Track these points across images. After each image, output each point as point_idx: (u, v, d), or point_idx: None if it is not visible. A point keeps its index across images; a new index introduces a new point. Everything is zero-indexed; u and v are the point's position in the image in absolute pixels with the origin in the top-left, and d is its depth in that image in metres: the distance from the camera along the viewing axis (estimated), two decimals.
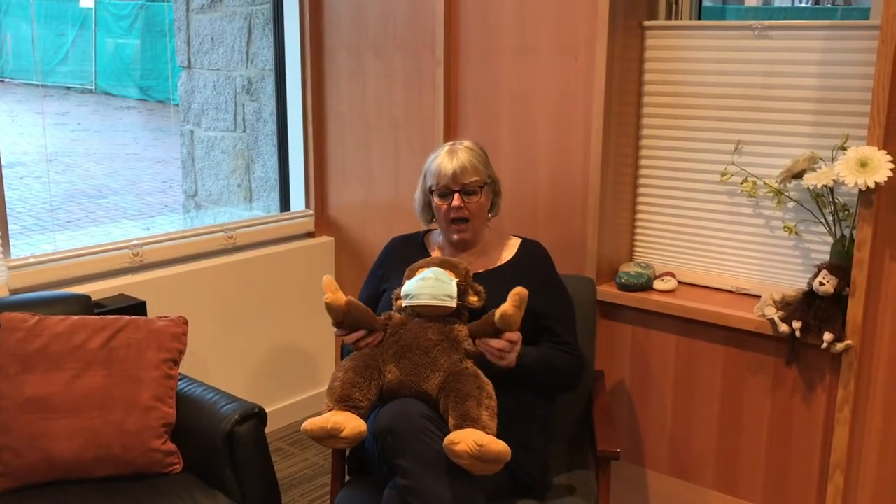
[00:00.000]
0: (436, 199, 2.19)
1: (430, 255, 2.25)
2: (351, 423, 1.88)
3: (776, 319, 2.36)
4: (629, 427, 2.78)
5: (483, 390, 1.91)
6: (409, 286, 2.03)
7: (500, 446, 1.81)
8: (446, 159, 2.17)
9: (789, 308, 2.37)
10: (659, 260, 2.77)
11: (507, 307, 1.92)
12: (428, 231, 2.35)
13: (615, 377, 2.77)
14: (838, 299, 2.27)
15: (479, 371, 1.96)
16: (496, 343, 1.96)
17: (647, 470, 2.76)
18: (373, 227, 3.30)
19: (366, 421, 1.93)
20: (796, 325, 2.30)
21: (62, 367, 2.07)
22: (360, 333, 2.00)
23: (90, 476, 2.06)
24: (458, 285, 2.01)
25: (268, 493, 2.13)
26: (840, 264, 2.29)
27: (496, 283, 2.11)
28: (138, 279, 2.82)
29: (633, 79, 2.68)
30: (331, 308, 1.97)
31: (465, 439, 1.79)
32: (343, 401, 1.91)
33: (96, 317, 2.20)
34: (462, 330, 1.99)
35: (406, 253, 2.27)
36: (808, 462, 2.46)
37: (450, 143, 2.24)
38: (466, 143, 2.23)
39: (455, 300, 1.99)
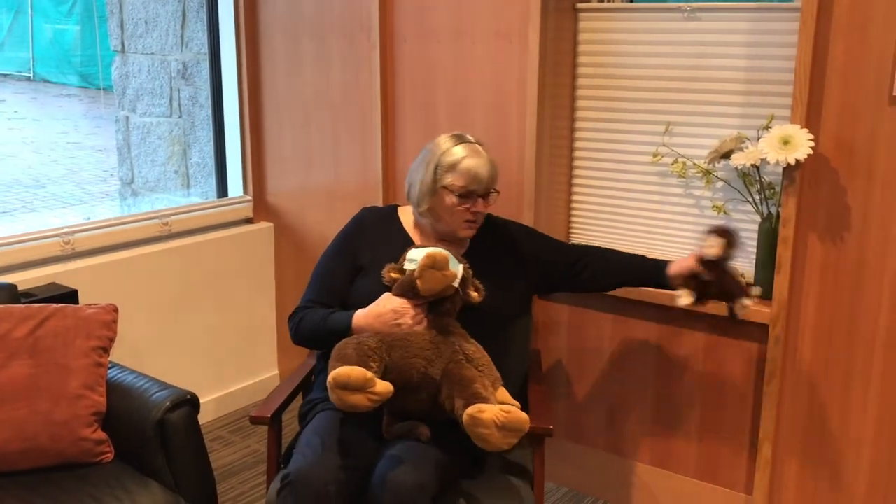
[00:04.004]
0: (454, 198, 2.11)
1: (407, 232, 2.23)
2: (383, 383, 1.84)
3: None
4: (567, 405, 2.81)
5: (485, 384, 1.91)
6: (417, 252, 2.01)
7: (524, 416, 1.81)
8: (478, 161, 2.11)
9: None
10: (595, 240, 2.80)
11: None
12: (397, 205, 2.31)
13: (552, 357, 2.80)
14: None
15: (462, 339, 1.98)
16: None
17: (584, 447, 2.80)
18: (312, 213, 3.28)
19: None
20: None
21: None
22: None
23: (17, 469, 2.01)
24: (462, 276, 2.01)
25: (201, 479, 2.12)
26: (725, 227, 2.13)
27: (472, 266, 2.10)
28: (70, 267, 2.77)
29: (567, 61, 2.70)
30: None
31: (491, 408, 1.79)
32: (359, 362, 1.87)
33: (21, 306, 2.15)
34: (460, 334, 2.01)
35: (381, 227, 2.23)
36: (739, 435, 2.52)
37: (454, 137, 2.16)
38: (472, 137, 2.18)
39: (458, 281, 1.99)
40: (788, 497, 2.41)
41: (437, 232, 2.19)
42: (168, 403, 2.06)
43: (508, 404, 1.92)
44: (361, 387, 1.80)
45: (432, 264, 1.95)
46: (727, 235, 2.05)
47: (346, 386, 1.80)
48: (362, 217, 2.28)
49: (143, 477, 2.05)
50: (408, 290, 1.99)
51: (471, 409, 1.80)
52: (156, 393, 2.10)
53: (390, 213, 2.28)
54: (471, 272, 2.06)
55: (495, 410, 1.79)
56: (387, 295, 2.02)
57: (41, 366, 2.05)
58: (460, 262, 2.03)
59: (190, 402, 2.10)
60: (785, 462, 2.40)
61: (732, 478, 2.55)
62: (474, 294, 2.05)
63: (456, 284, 1.98)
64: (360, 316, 2.02)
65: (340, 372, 1.80)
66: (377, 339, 1.94)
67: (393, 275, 2.04)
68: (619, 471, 2.75)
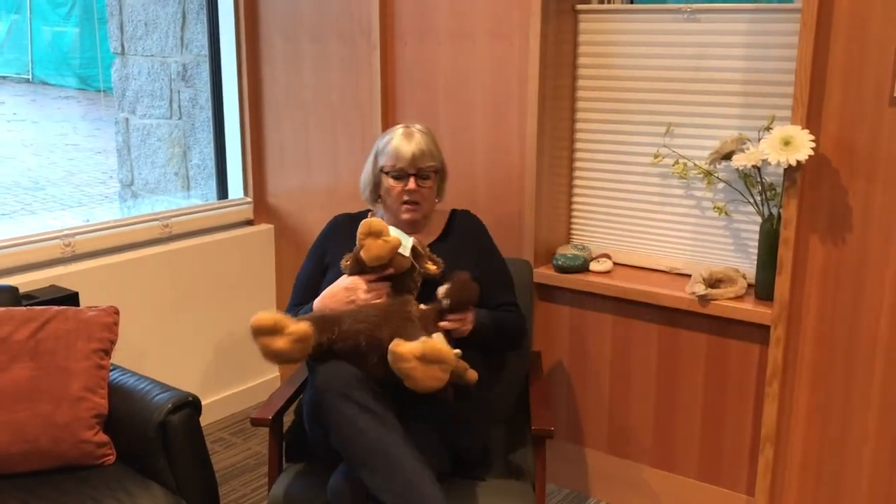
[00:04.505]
0: (389, 181, 2.19)
1: None
2: (298, 323, 1.87)
3: (702, 290, 2.40)
4: (568, 407, 2.81)
5: (431, 336, 1.93)
6: None
7: (443, 345, 1.82)
8: (404, 142, 2.17)
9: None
10: (595, 241, 2.80)
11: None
12: (370, 210, 2.36)
13: (553, 358, 2.80)
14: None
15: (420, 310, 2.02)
16: (447, 324, 2.02)
17: (586, 448, 2.80)
18: (312, 214, 3.28)
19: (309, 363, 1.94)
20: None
21: None
22: None
23: (18, 471, 2.01)
24: (413, 246, 2.04)
25: (203, 481, 2.11)
26: (463, 277, 2.11)
27: (440, 251, 2.16)
28: (70, 270, 2.76)
29: (568, 62, 2.70)
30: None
31: (409, 342, 1.82)
32: None
33: (23, 308, 2.15)
34: (415, 304, 2.02)
35: (350, 230, 2.25)
36: (740, 436, 2.52)
37: (403, 125, 2.24)
38: (419, 126, 2.24)
39: (409, 254, 2.01)
40: (790, 499, 2.40)
41: (398, 224, 2.22)
42: (170, 405, 2.06)
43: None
44: (276, 328, 1.85)
45: (368, 231, 2.00)
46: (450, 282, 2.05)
47: (261, 331, 1.85)
48: (337, 222, 2.35)
49: (145, 479, 2.04)
50: (356, 265, 2.04)
51: (392, 345, 1.81)
52: (157, 395, 2.10)
53: (361, 215, 2.34)
54: (427, 249, 2.10)
55: (414, 343, 1.80)
56: (342, 277, 2.09)
57: (42, 368, 2.05)
58: (410, 236, 2.08)
59: (192, 405, 2.10)
60: (787, 463, 2.40)
61: (734, 479, 2.55)
62: (432, 267, 2.08)
63: (406, 254, 2.01)
64: (318, 300, 2.11)
65: (254, 320, 1.86)
66: (324, 314, 1.99)
67: (348, 262, 2.09)
68: (620, 472, 2.74)
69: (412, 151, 2.16)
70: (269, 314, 1.86)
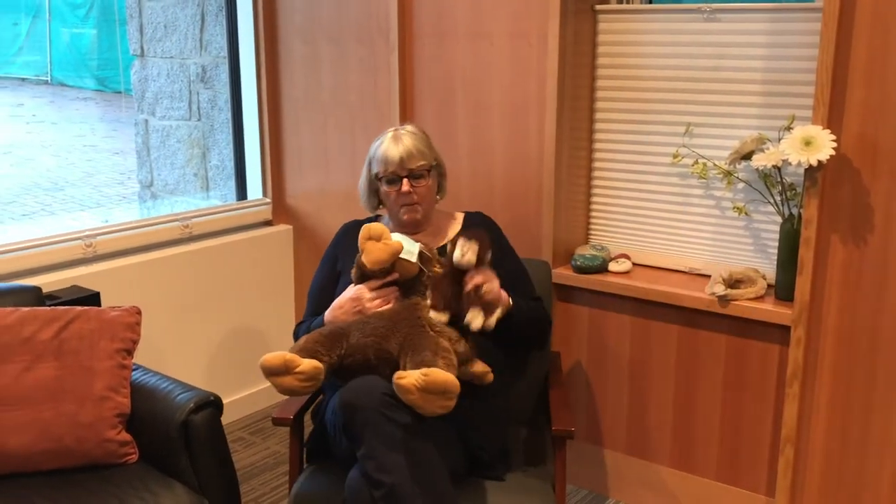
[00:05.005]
0: (384, 187, 2.20)
1: None
2: (307, 361, 1.88)
3: (720, 291, 2.40)
4: (587, 407, 2.81)
5: (440, 346, 1.91)
6: None
7: (446, 376, 1.79)
8: (391, 146, 2.18)
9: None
10: (614, 242, 2.80)
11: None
12: (377, 217, 2.37)
13: (572, 358, 2.80)
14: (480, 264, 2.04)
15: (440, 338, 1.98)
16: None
17: (605, 449, 2.80)
18: (331, 215, 3.29)
19: (324, 382, 1.92)
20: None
21: (11, 360, 2.04)
22: None
23: (43, 469, 2.03)
24: (420, 252, 2.03)
25: (225, 481, 2.12)
26: (473, 230, 2.07)
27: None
28: (92, 270, 2.79)
29: (587, 62, 2.70)
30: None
31: (411, 374, 1.80)
32: (304, 351, 1.91)
33: (47, 308, 2.17)
34: (425, 307, 2.00)
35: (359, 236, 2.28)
36: (759, 437, 2.51)
37: (392, 129, 2.25)
38: (409, 127, 2.25)
39: (416, 260, 2.01)
40: (811, 499, 2.39)
41: (401, 226, 2.23)
42: (192, 405, 2.07)
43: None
44: (284, 369, 1.85)
45: (368, 235, 2.00)
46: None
47: (270, 371, 1.86)
48: (347, 229, 2.36)
49: (167, 478, 2.06)
50: (360, 273, 2.04)
51: (395, 376, 1.80)
52: (180, 394, 2.11)
53: (371, 222, 2.32)
54: (435, 251, 2.09)
55: (416, 375, 1.78)
56: (349, 287, 2.09)
57: (66, 368, 2.07)
58: (416, 239, 2.08)
59: (214, 404, 2.11)
60: (807, 464, 2.39)
61: (754, 480, 2.54)
62: (439, 270, 2.06)
63: (413, 259, 2.00)
64: (328, 313, 2.11)
65: (262, 360, 1.86)
66: (332, 328, 1.98)
67: (355, 270, 2.08)
68: (639, 473, 2.74)
69: (400, 154, 2.16)
70: (277, 355, 1.86)
